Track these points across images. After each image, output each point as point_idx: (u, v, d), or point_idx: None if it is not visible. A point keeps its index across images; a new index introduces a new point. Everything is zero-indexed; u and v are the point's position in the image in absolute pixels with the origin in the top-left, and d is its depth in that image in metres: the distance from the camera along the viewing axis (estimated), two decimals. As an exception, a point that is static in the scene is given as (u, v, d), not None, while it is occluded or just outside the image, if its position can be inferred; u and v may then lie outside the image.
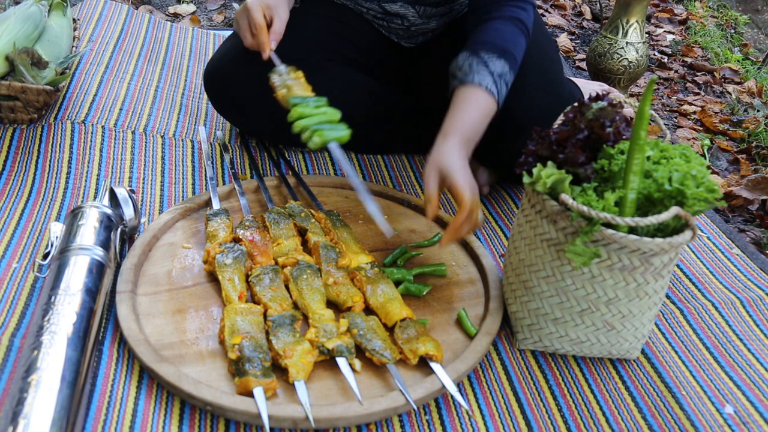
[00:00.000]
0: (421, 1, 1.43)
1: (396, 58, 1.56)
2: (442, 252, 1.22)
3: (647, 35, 2.52)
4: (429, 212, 1.10)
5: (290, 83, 1.22)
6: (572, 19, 2.89)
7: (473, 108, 1.16)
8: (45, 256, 1.04)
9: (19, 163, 1.33)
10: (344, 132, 1.17)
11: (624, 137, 0.96)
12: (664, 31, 2.89)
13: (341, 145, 1.16)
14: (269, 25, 1.28)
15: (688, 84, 2.43)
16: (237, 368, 0.89)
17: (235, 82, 1.39)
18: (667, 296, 1.21)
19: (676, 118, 2.15)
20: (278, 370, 0.92)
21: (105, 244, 1.03)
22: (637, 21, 1.97)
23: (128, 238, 1.16)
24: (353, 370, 0.93)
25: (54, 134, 1.37)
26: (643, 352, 1.07)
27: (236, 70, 1.38)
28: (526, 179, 0.94)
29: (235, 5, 1.56)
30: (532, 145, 0.98)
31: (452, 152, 1.10)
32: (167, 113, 1.57)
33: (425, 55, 1.53)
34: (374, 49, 1.52)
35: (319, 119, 1.16)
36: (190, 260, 1.13)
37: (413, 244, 1.23)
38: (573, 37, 2.70)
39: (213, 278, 1.09)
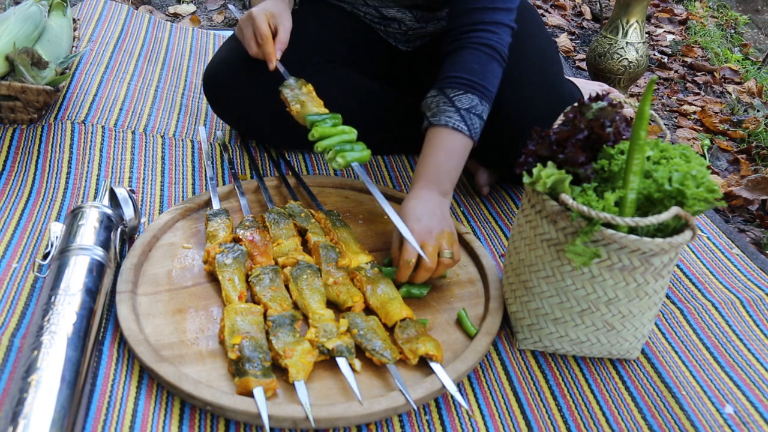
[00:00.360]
0: (418, 6, 1.43)
1: (394, 61, 1.56)
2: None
3: (647, 35, 2.52)
4: (402, 280, 1.08)
5: (303, 99, 1.23)
6: (572, 19, 2.89)
7: (441, 150, 1.17)
8: (45, 256, 1.03)
9: (19, 163, 1.33)
10: (365, 153, 1.19)
11: (624, 137, 0.96)
12: (664, 31, 2.89)
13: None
14: (274, 35, 1.28)
15: (688, 84, 2.43)
16: (237, 368, 0.89)
17: (235, 86, 1.38)
18: (667, 296, 1.21)
19: (676, 118, 2.15)
20: (278, 370, 0.92)
21: (105, 244, 1.03)
22: (637, 21, 1.97)
23: (128, 238, 1.16)
24: (353, 370, 0.93)
25: (54, 134, 1.37)
26: (643, 352, 1.07)
27: (235, 74, 1.38)
28: (526, 179, 0.94)
29: (231, 7, 1.55)
30: (532, 145, 0.98)
31: (411, 202, 1.12)
32: (167, 113, 1.57)
33: (423, 58, 1.53)
34: (372, 52, 1.52)
35: (340, 139, 1.17)
36: (190, 260, 1.13)
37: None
38: (573, 37, 2.70)
39: (213, 278, 1.09)
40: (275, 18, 1.28)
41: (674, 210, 0.86)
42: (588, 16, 2.93)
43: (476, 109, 1.18)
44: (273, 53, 1.26)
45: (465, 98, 1.17)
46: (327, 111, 1.22)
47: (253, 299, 1.04)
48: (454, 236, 1.10)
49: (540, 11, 2.83)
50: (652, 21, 2.99)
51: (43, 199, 1.25)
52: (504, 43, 1.22)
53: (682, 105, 2.24)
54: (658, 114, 2.15)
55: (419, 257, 1.05)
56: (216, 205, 1.23)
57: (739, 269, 1.31)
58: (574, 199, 0.91)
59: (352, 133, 1.20)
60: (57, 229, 1.06)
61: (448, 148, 1.17)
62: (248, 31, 1.27)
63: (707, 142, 1.96)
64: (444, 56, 1.25)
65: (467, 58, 1.20)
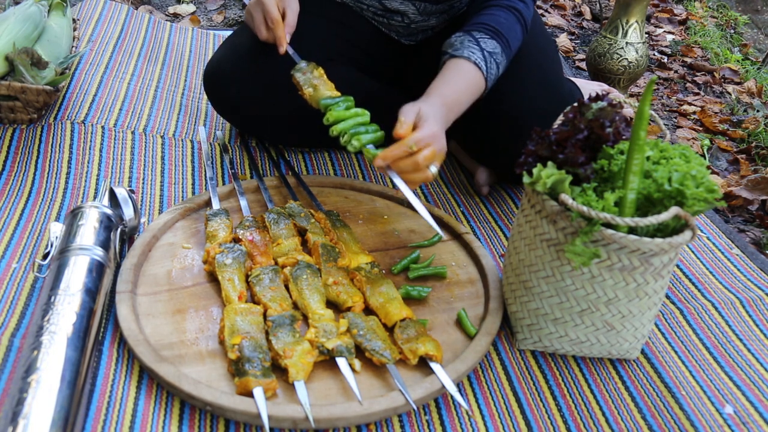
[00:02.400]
0: None
1: (396, 56, 1.56)
2: (442, 252, 1.22)
3: (647, 35, 2.52)
4: (397, 132, 1.08)
5: (316, 82, 1.23)
6: (572, 19, 2.89)
7: (459, 77, 1.17)
8: (45, 256, 1.03)
9: (19, 163, 1.33)
10: (379, 133, 1.18)
11: (624, 137, 0.96)
12: (664, 31, 2.89)
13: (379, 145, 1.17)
14: (282, 18, 1.28)
15: (688, 84, 2.43)
16: (237, 368, 0.89)
17: (235, 84, 1.39)
18: (667, 296, 1.21)
19: (676, 118, 2.15)
20: (278, 370, 0.92)
21: (105, 244, 1.03)
22: (636, 21, 1.97)
23: (128, 238, 1.16)
24: (353, 370, 0.93)
25: (54, 134, 1.37)
26: (642, 352, 1.07)
27: (236, 72, 1.38)
28: (526, 179, 0.94)
29: None
30: (532, 145, 0.98)
31: (431, 106, 1.11)
32: (167, 113, 1.57)
33: (425, 53, 1.52)
34: (374, 48, 1.52)
35: (354, 122, 1.17)
36: (190, 260, 1.13)
37: (413, 244, 1.23)
38: (573, 37, 2.70)
39: (213, 278, 1.09)
40: (283, 1, 1.28)
41: (674, 210, 0.86)
42: (588, 16, 2.93)
43: (497, 57, 1.20)
44: (283, 37, 1.27)
45: (490, 42, 1.20)
46: (339, 94, 1.22)
47: (253, 299, 1.04)
48: (443, 156, 1.12)
49: (540, 11, 2.83)
50: (652, 21, 2.99)
51: (43, 199, 1.25)
52: (529, 15, 1.27)
53: (681, 105, 2.24)
54: (657, 114, 2.15)
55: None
56: (216, 205, 1.23)
57: (738, 269, 1.31)
58: (573, 199, 0.91)
59: (365, 115, 1.19)
60: (57, 229, 1.06)
61: (465, 79, 1.17)
62: (258, 15, 1.28)
63: (707, 142, 1.97)
64: (471, 17, 1.28)
65: (497, 13, 1.24)
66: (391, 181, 1.46)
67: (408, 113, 1.10)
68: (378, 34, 1.53)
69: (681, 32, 2.92)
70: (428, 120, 1.09)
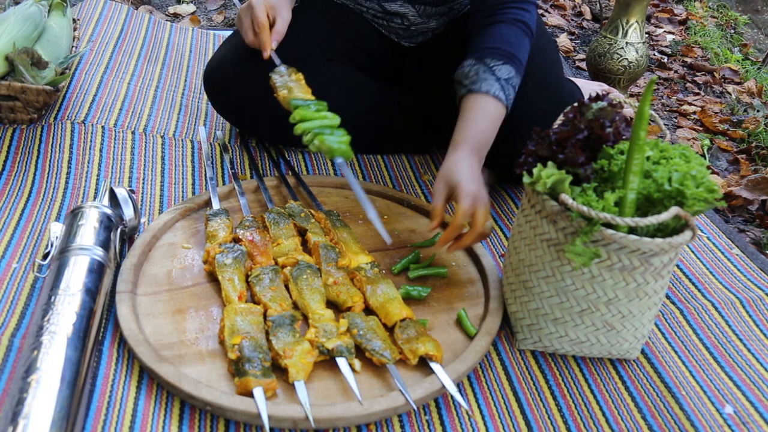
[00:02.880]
0: (421, 0, 1.43)
1: (396, 58, 1.56)
2: (442, 252, 1.22)
3: (647, 35, 2.52)
4: (433, 224, 1.11)
5: (291, 85, 1.23)
6: (572, 19, 2.89)
7: (482, 116, 1.17)
8: (45, 256, 1.03)
9: (19, 163, 1.33)
10: (345, 138, 1.17)
11: (624, 137, 0.96)
12: (664, 31, 2.89)
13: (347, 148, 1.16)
14: (272, 25, 1.29)
15: (688, 84, 2.43)
16: (237, 368, 0.89)
17: (235, 83, 1.39)
18: (667, 296, 1.21)
19: (676, 118, 2.15)
20: (278, 370, 0.92)
21: (105, 244, 1.03)
22: (637, 21, 1.97)
23: (128, 238, 1.16)
24: (353, 370, 0.93)
25: (54, 134, 1.37)
26: (643, 352, 1.07)
27: (236, 71, 1.38)
28: (526, 179, 0.94)
29: (236, 1, 1.56)
30: (532, 145, 0.98)
31: (461, 162, 1.11)
32: (167, 113, 1.57)
33: (425, 55, 1.53)
34: (374, 49, 1.52)
35: (320, 123, 1.17)
36: (190, 260, 1.13)
37: (413, 244, 1.23)
38: (573, 37, 2.70)
39: (213, 278, 1.09)
40: (274, 9, 1.29)
41: (674, 210, 0.86)
42: (588, 16, 2.93)
43: (513, 81, 1.20)
44: (268, 42, 1.27)
45: (504, 68, 1.19)
46: (314, 98, 1.22)
47: (253, 299, 1.04)
48: (489, 208, 1.11)
49: (540, 11, 2.83)
50: (652, 21, 2.99)
51: (43, 199, 1.25)
52: (533, 21, 1.26)
53: (682, 105, 2.24)
54: (658, 114, 2.15)
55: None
56: (216, 205, 1.23)
57: (738, 269, 1.31)
58: (573, 199, 0.91)
59: (334, 119, 1.19)
60: (57, 229, 1.06)
61: (489, 116, 1.18)
62: (246, 20, 1.29)
63: (707, 142, 1.96)
64: (476, 30, 1.26)
65: (505, 32, 1.23)
66: (392, 180, 1.46)
67: (438, 198, 1.10)
68: (378, 36, 1.53)
69: (681, 32, 2.92)
70: (463, 185, 1.07)
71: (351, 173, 1.15)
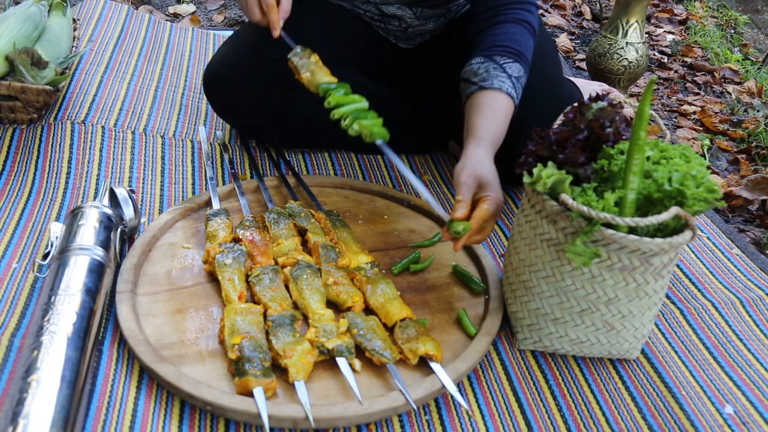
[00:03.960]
0: (418, 3, 1.43)
1: (394, 60, 1.56)
2: (442, 252, 1.22)
3: (647, 35, 2.52)
4: (458, 214, 1.04)
5: (313, 68, 1.24)
6: (572, 19, 2.89)
7: (498, 113, 1.17)
8: (45, 256, 1.03)
9: (19, 163, 1.33)
10: (379, 120, 1.19)
11: (624, 137, 0.96)
12: (664, 31, 2.89)
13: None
14: (277, 4, 1.27)
15: (688, 84, 2.43)
16: (237, 368, 0.89)
17: (235, 86, 1.38)
18: (667, 296, 1.21)
19: (676, 118, 2.15)
20: (278, 370, 0.92)
21: (105, 244, 1.03)
22: (637, 21, 1.97)
23: (128, 238, 1.16)
24: (353, 370, 0.93)
25: (54, 134, 1.37)
26: (643, 352, 1.07)
27: (236, 74, 1.38)
28: (526, 179, 0.94)
29: None
30: (532, 145, 0.98)
31: (487, 161, 1.10)
32: (167, 113, 1.57)
33: (423, 57, 1.53)
34: (372, 51, 1.52)
35: (355, 107, 1.18)
36: (190, 260, 1.13)
37: (413, 244, 1.23)
38: (573, 37, 2.70)
39: (213, 278, 1.09)
40: None
41: (674, 210, 0.86)
42: (588, 16, 2.93)
43: (522, 80, 1.20)
44: (277, 21, 1.25)
45: (514, 66, 1.19)
46: (336, 79, 1.23)
47: (253, 299, 1.04)
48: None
49: (540, 11, 2.83)
50: (652, 21, 2.99)
51: (43, 199, 1.25)
52: (536, 21, 1.26)
53: (682, 105, 2.24)
54: (658, 114, 2.15)
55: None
56: (216, 205, 1.23)
57: (739, 269, 1.31)
58: (574, 199, 0.91)
59: (363, 101, 1.20)
60: (57, 229, 1.06)
61: (504, 113, 1.17)
62: None
63: (707, 142, 1.96)
64: (480, 30, 1.26)
65: (511, 30, 1.23)
66: (392, 180, 1.46)
67: (466, 191, 1.06)
68: (376, 37, 1.53)
69: (681, 32, 2.92)
70: (490, 188, 1.06)
71: (393, 154, 1.14)
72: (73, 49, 1.55)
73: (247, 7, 1.27)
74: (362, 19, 1.51)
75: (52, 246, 1.04)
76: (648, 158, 0.95)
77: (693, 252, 1.35)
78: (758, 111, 2.22)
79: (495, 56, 1.20)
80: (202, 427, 0.87)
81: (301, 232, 1.20)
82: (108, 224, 1.07)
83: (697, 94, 2.36)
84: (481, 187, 1.07)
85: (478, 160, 1.10)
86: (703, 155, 1.92)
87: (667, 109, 2.21)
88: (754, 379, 1.04)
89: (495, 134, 1.15)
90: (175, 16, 2.41)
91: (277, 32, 1.26)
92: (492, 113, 1.16)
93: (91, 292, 0.93)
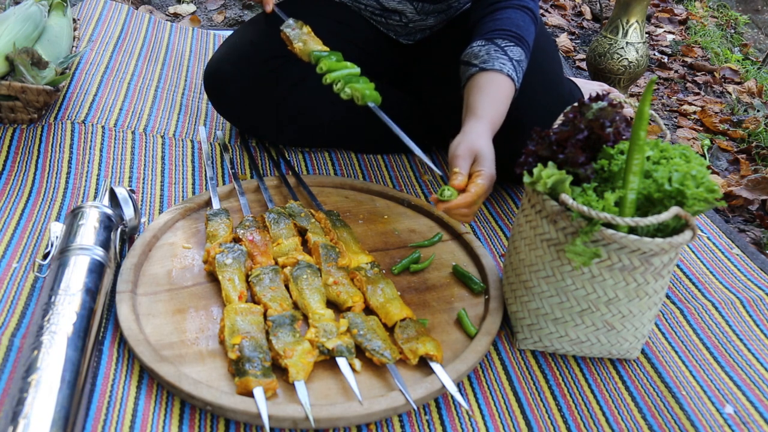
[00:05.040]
0: None
1: (394, 56, 1.56)
2: (442, 252, 1.22)
3: (647, 35, 2.52)
4: (456, 182, 1.05)
5: (305, 38, 1.25)
6: (572, 19, 2.89)
7: (499, 93, 1.16)
8: (45, 256, 1.03)
9: (19, 163, 1.33)
10: (371, 84, 1.19)
11: (624, 137, 0.96)
12: (664, 31, 2.89)
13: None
14: None
15: (688, 84, 2.43)
16: (237, 368, 0.89)
17: (236, 83, 1.39)
18: (667, 296, 1.21)
19: (676, 118, 2.15)
20: (278, 370, 0.92)
21: (105, 244, 1.03)
22: (637, 21, 1.97)
23: (128, 238, 1.16)
24: (353, 370, 0.93)
25: (54, 134, 1.37)
26: (643, 352, 1.07)
27: (236, 71, 1.38)
28: (526, 179, 0.94)
29: None
30: (532, 145, 0.98)
31: (485, 138, 1.10)
32: (167, 113, 1.57)
33: (424, 53, 1.53)
34: (372, 47, 1.52)
35: (348, 72, 1.19)
36: (190, 260, 1.13)
37: (413, 244, 1.23)
38: (573, 37, 2.70)
39: (213, 278, 1.09)
40: None
41: (674, 210, 0.86)
42: (588, 16, 2.93)
43: (523, 64, 1.20)
44: None
45: (516, 50, 1.19)
46: (328, 49, 1.24)
47: (253, 299, 1.04)
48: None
49: (540, 11, 2.83)
50: (652, 21, 2.99)
51: (43, 199, 1.25)
52: (537, 9, 1.27)
53: (682, 105, 2.24)
54: (658, 114, 2.15)
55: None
56: (216, 205, 1.23)
57: (739, 269, 1.31)
58: (574, 199, 0.91)
59: (354, 67, 1.21)
60: (57, 229, 1.06)
61: (504, 94, 1.17)
62: None
63: (707, 142, 1.96)
64: (481, 15, 1.27)
65: (513, 16, 1.23)
66: (392, 180, 1.46)
67: (462, 163, 1.06)
68: (376, 34, 1.53)
69: (681, 32, 2.92)
70: (486, 162, 1.07)
71: (385, 115, 1.15)
72: (73, 49, 1.55)
73: None
74: (362, 16, 1.51)
75: (52, 246, 1.04)
76: (648, 158, 0.95)
77: (693, 252, 1.35)
78: (758, 111, 2.22)
79: (496, 39, 1.20)
80: (202, 427, 0.87)
81: (301, 232, 1.20)
82: (108, 224, 1.07)
83: (697, 94, 2.36)
84: (476, 161, 1.07)
85: (476, 134, 1.10)
86: (703, 155, 1.92)
87: (667, 109, 2.21)
88: (754, 379, 1.04)
89: (495, 114, 1.14)
90: (175, 16, 2.41)
91: (269, 7, 1.27)
92: (493, 94, 1.16)
93: (91, 292, 0.93)
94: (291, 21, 1.28)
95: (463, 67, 1.22)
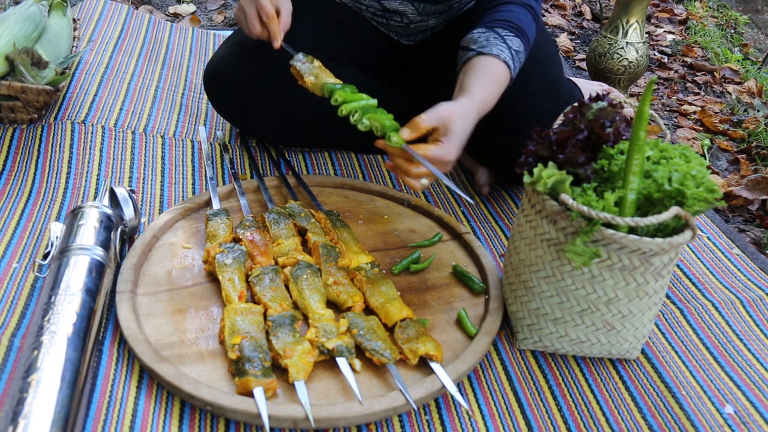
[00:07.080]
0: None
1: (395, 57, 1.56)
2: (442, 252, 1.22)
3: (647, 35, 2.52)
4: (405, 133, 1.07)
5: (316, 71, 1.23)
6: (572, 19, 2.89)
7: (493, 77, 1.16)
8: (45, 256, 1.03)
9: (19, 163, 1.33)
10: (388, 115, 1.17)
11: (624, 137, 0.96)
12: (664, 31, 2.89)
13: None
14: (277, 16, 1.27)
15: (688, 84, 2.43)
16: (237, 368, 0.89)
17: (236, 83, 1.39)
18: (667, 296, 1.21)
19: (676, 118, 2.15)
20: (278, 370, 0.92)
21: (105, 244, 1.03)
22: (637, 21, 1.97)
23: (128, 238, 1.16)
24: (353, 370, 0.93)
25: (54, 134, 1.37)
26: (643, 352, 1.07)
27: (236, 71, 1.38)
28: (526, 179, 0.94)
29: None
30: (532, 145, 0.98)
31: (465, 119, 1.09)
32: (167, 113, 1.57)
33: (425, 54, 1.53)
34: (373, 48, 1.52)
35: (364, 103, 1.18)
36: (190, 260, 1.13)
37: (413, 244, 1.23)
38: (573, 37, 2.70)
39: (213, 278, 1.09)
40: (276, 0, 1.27)
41: (674, 210, 0.86)
42: (588, 16, 2.93)
43: (521, 56, 1.20)
44: (278, 31, 1.25)
45: (515, 40, 1.19)
46: (340, 81, 1.22)
47: (253, 299, 1.04)
48: (448, 169, 1.12)
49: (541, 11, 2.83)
50: (652, 21, 2.99)
51: (43, 199, 1.25)
52: (540, 9, 1.28)
53: (682, 105, 2.24)
54: (658, 114, 2.15)
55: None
56: (216, 205, 1.23)
57: (739, 269, 1.31)
58: (574, 199, 0.91)
59: (371, 99, 1.19)
60: (57, 229, 1.06)
61: (498, 79, 1.17)
62: (251, 11, 1.25)
63: (707, 142, 1.96)
64: (484, 12, 1.27)
65: (515, 10, 1.24)
66: (392, 180, 1.46)
67: (433, 117, 1.07)
68: (377, 35, 1.53)
69: (681, 32, 2.93)
70: (451, 138, 1.06)
71: (412, 149, 1.12)
72: (73, 49, 1.55)
73: (246, 21, 1.27)
74: (363, 17, 1.51)
75: (52, 246, 1.04)
76: (648, 158, 0.95)
77: (693, 252, 1.35)
78: (758, 111, 2.22)
79: (496, 28, 1.20)
80: (202, 427, 0.87)
81: (301, 232, 1.20)
82: (108, 224, 1.07)
83: (697, 94, 2.36)
84: (442, 131, 1.07)
85: (457, 111, 1.09)
86: (703, 155, 1.92)
87: (667, 109, 2.21)
88: (754, 379, 1.04)
89: (486, 95, 1.14)
90: (175, 16, 2.41)
91: (278, 43, 1.26)
92: (487, 76, 1.15)
93: (91, 292, 0.93)
94: (300, 55, 1.25)
95: (460, 52, 1.22)
